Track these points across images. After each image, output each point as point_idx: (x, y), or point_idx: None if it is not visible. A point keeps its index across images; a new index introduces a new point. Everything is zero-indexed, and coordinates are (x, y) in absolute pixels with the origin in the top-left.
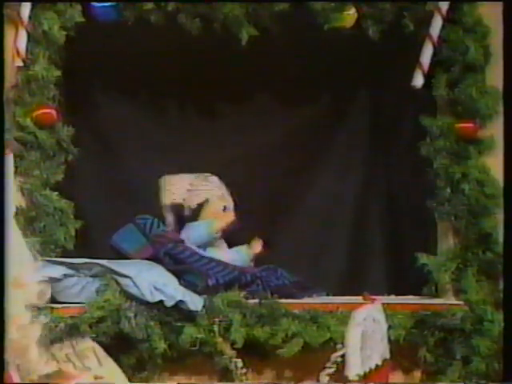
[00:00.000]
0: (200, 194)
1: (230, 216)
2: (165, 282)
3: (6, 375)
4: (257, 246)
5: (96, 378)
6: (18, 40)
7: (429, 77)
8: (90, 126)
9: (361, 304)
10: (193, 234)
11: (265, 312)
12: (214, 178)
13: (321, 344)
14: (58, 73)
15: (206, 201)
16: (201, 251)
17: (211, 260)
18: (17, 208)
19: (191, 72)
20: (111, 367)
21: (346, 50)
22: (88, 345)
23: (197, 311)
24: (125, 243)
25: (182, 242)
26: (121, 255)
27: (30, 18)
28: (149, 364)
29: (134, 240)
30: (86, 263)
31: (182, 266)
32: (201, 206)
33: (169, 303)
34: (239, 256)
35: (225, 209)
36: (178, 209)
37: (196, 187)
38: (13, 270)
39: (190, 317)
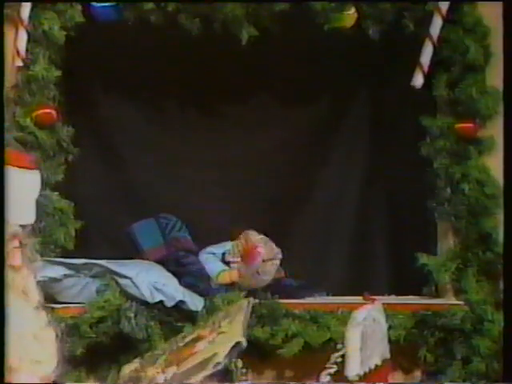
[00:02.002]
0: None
1: (235, 276)
2: (165, 282)
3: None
4: (233, 274)
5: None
6: (18, 40)
7: (429, 77)
8: (89, 125)
9: (361, 304)
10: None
11: (265, 312)
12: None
13: (321, 344)
14: (57, 73)
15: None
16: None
17: None
18: None
19: (191, 72)
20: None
21: (345, 50)
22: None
23: (197, 311)
24: (142, 237)
25: (196, 253)
26: (133, 247)
27: (30, 18)
28: None
29: (151, 236)
30: (85, 263)
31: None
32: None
33: (169, 303)
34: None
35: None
36: None
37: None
38: None
39: (190, 317)
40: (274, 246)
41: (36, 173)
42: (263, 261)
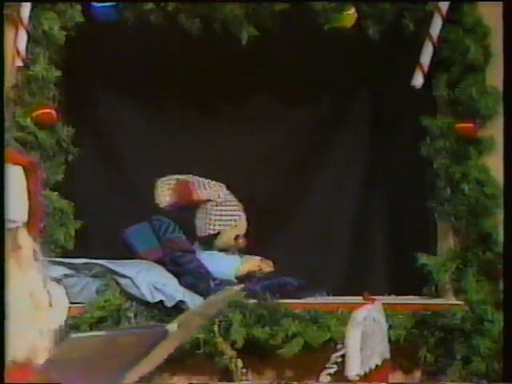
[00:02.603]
0: (212, 223)
1: (256, 263)
2: (165, 282)
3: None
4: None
5: None
6: (18, 40)
7: (429, 77)
8: (89, 125)
9: (361, 304)
10: (216, 269)
11: (265, 312)
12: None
13: (321, 344)
14: (57, 73)
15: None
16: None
17: (215, 278)
18: None
19: (191, 72)
20: None
21: (345, 50)
22: None
23: None
24: (136, 240)
25: (193, 252)
26: (129, 251)
27: (30, 18)
28: None
29: (146, 240)
30: (85, 263)
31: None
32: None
33: (169, 303)
34: (229, 266)
35: (237, 237)
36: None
37: (210, 212)
38: None
39: None
40: (219, 189)
41: (19, 169)
42: (204, 201)
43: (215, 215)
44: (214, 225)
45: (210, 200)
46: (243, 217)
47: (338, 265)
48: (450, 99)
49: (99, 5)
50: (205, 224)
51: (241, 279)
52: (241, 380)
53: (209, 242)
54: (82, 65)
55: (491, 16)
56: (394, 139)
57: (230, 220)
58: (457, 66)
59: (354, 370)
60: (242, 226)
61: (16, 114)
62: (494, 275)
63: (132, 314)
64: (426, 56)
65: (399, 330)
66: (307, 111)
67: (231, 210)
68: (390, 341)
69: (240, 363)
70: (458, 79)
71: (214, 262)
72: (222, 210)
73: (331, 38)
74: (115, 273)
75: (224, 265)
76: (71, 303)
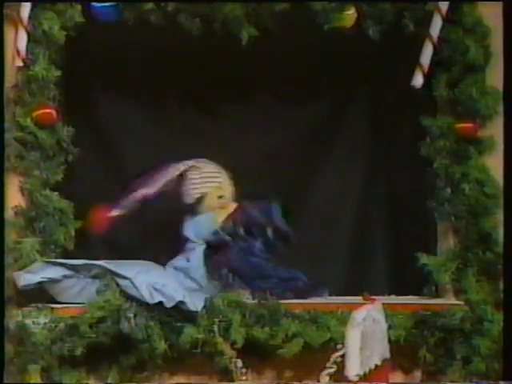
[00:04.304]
0: (196, 188)
1: (230, 206)
2: (164, 283)
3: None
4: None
5: None
6: (18, 40)
7: (429, 77)
8: (89, 125)
9: (361, 304)
10: (195, 230)
11: (265, 312)
12: (210, 165)
13: (321, 344)
14: (58, 73)
15: (204, 194)
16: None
17: None
18: (17, 208)
19: (191, 72)
20: None
21: (346, 50)
22: None
23: (197, 311)
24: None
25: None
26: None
27: (29, 17)
28: (149, 364)
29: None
30: (85, 264)
31: None
32: (198, 200)
33: (168, 304)
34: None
35: (220, 197)
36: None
37: (192, 180)
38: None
39: (190, 317)
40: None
41: None
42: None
43: (197, 179)
44: (197, 188)
45: (190, 167)
46: (226, 178)
47: (338, 265)
48: (450, 99)
49: (99, 5)
50: (190, 189)
51: (222, 230)
52: (240, 380)
53: (195, 209)
54: (82, 65)
55: (491, 16)
56: (394, 139)
57: (212, 181)
58: (457, 66)
59: (353, 370)
60: (225, 186)
61: (16, 114)
62: (494, 275)
63: (132, 315)
64: (426, 56)
65: (399, 330)
66: (307, 111)
67: (212, 172)
68: (389, 341)
69: (240, 363)
70: (458, 79)
71: (193, 225)
72: (203, 173)
73: (331, 38)
74: (114, 274)
75: (203, 223)
76: (71, 303)
